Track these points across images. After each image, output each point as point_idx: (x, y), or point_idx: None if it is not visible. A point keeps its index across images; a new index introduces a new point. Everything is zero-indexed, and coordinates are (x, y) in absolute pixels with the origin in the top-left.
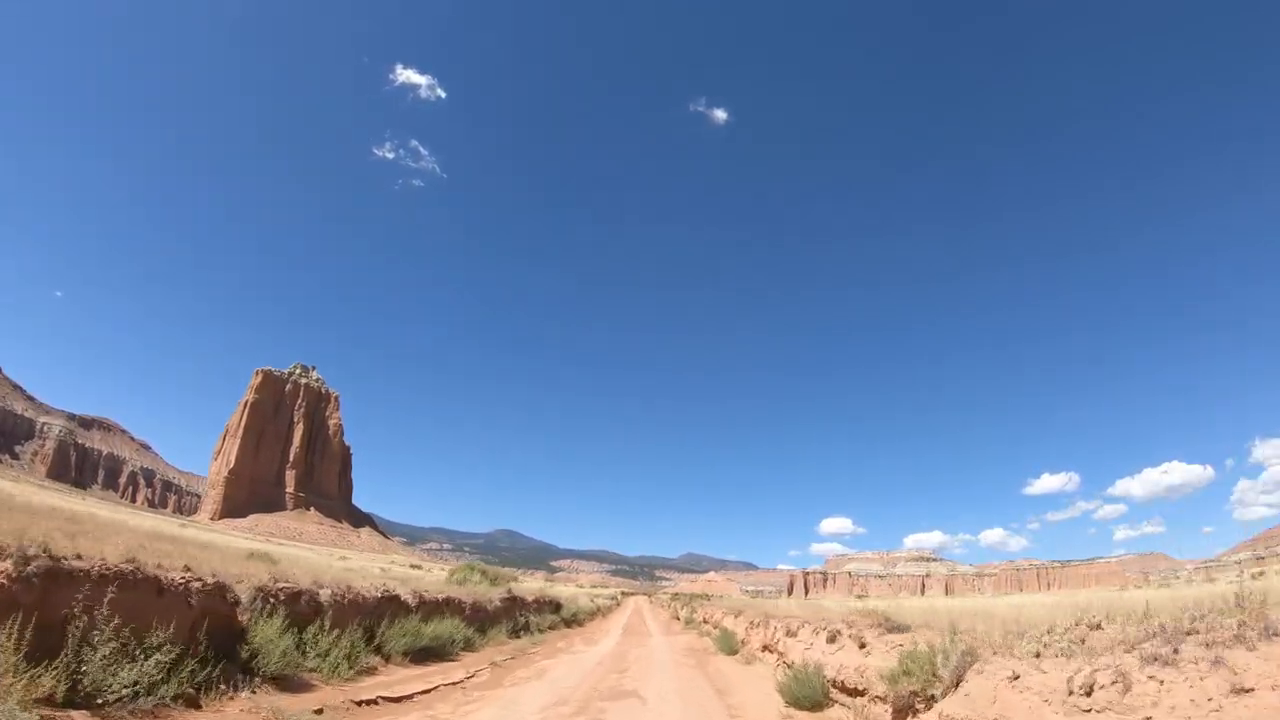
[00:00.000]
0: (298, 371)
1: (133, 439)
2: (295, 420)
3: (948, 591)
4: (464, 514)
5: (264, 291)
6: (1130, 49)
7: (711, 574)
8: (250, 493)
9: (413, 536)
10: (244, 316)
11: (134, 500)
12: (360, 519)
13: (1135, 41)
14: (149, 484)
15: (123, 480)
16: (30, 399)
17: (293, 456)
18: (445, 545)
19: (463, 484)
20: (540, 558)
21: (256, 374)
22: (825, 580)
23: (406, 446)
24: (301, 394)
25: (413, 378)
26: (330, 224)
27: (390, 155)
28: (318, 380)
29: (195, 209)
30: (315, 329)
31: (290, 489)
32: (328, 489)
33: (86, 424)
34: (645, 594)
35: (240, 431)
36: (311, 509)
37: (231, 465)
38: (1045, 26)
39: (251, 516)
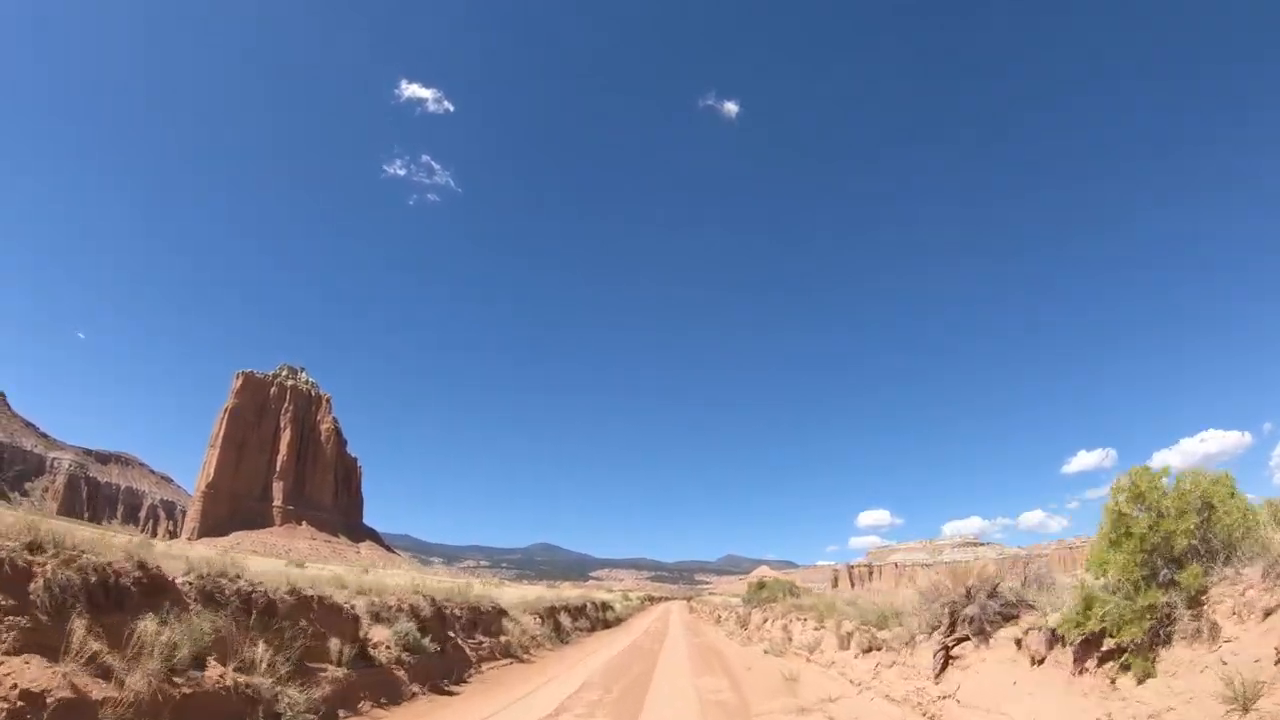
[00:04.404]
0: (284, 373)
1: (152, 472)
2: (281, 426)
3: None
4: (502, 531)
5: (280, 308)
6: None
7: (764, 568)
8: (231, 508)
9: (450, 555)
10: (262, 339)
11: (154, 534)
12: (361, 533)
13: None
14: (170, 516)
15: (143, 514)
16: (43, 435)
17: (280, 466)
18: (482, 562)
19: (500, 502)
20: (579, 569)
21: (237, 377)
22: (870, 573)
23: (441, 467)
24: (288, 397)
25: (444, 397)
26: (350, 242)
27: (402, 172)
28: (307, 382)
29: (209, 227)
30: (344, 351)
31: (278, 502)
32: (322, 500)
33: (104, 459)
34: (684, 598)
35: (220, 441)
36: (303, 523)
37: (210, 479)
38: (1069, 18)
39: (234, 534)
